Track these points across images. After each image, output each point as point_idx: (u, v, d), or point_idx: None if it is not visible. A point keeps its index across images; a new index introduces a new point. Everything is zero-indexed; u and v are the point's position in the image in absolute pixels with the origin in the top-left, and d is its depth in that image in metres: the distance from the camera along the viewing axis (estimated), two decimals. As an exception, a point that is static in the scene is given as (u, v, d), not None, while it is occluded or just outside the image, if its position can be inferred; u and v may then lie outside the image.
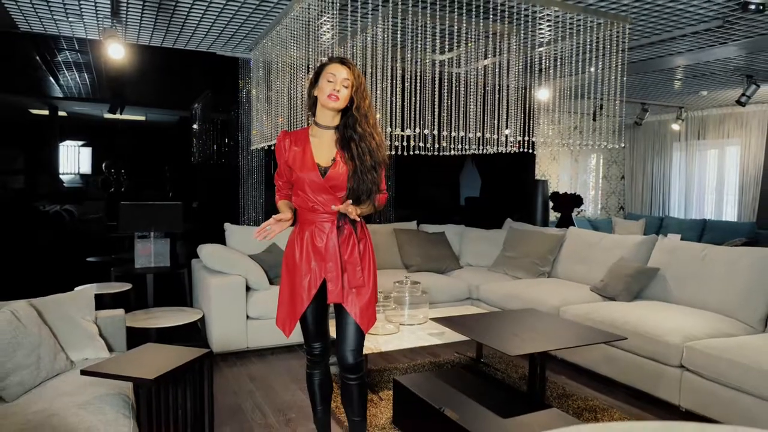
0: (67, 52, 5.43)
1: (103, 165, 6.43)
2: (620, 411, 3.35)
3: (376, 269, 2.52)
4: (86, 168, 7.10)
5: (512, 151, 4.63)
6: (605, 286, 4.48)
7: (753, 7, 2.72)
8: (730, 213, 8.83)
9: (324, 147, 2.43)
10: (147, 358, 2.55)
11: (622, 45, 3.77)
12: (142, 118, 7.16)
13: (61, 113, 6.76)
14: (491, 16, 3.85)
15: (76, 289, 3.94)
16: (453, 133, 4.32)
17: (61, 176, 6.67)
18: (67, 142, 6.97)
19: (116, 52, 4.10)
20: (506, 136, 4.79)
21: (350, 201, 2.32)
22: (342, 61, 2.38)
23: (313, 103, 2.45)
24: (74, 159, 7.19)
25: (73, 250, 5.93)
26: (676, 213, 9.51)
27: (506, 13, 3.75)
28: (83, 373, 2.39)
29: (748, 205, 8.33)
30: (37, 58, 5.54)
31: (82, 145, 7.11)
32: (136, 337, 3.50)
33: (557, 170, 9.80)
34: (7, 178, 5.76)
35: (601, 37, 3.88)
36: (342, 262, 2.40)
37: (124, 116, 6.81)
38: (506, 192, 7.80)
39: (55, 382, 2.52)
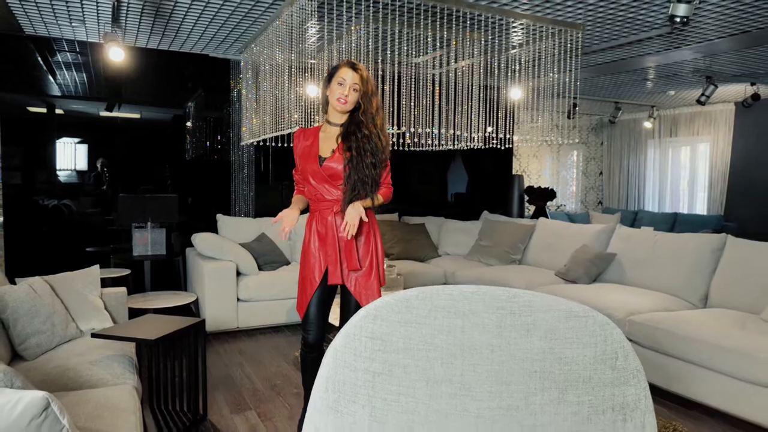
0: (67, 53, 5.75)
1: (98, 162, 6.76)
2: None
3: (381, 253, 2.68)
4: (82, 165, 7.43)
5: (479, 147, 5.01)
6: (567, 271, 4.88)
7: (678, 20, 3.10)
8: (700, 207, 9.27)
9: (329, 141, 2.62)
10: (148, 325, 2.91)
11: (577, 50, 4.15)
12: (137, 115, 7.49)
13: (59, 111, 7.09)
14: (462, 24, 4.23)
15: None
16: (427, 130, 4.71)
17: (58, 172, 7.00)
18: (64, 140, 7.30)
19: (116, 55, 4.44)
20: (488, 134, 5.19)
21: (347, 222, 2.47)
22: (352, 65, 2.53)
23: (325, 102, 2.62)
24: (71, 156, 7.52)
25: (72, 241, 6.26)
26: (650, 207, 9.93)
27: (475, 21, 4.12)
28: (94, 335, 2.76)
29: (717, 199, 8.77)
30: (39, 58, 5.86)
31: (79, 142, 7.44)
32: (135, 317, 3.85)
33: (538, 167, 10.21)
34: (11, 173, 6.07)
35: (559, 42, 4.26)
36: (340, 247, 2.57)
37: (120, 114, 7.14)
38: (487, 187, 8.18)
39: (68, 345, 2.88)
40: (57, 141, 7.07)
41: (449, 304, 0.87)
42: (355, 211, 2.47)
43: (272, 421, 3.04)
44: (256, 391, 3.49)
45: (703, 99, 6.49)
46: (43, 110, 6.91)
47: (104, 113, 7.29)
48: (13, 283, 3.01)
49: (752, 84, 6.78)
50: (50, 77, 6.34)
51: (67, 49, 5.61)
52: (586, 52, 5.46)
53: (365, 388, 0.88)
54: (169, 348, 3.10)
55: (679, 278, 4.20)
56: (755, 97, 6.86)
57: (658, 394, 3.48)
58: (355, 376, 0.89)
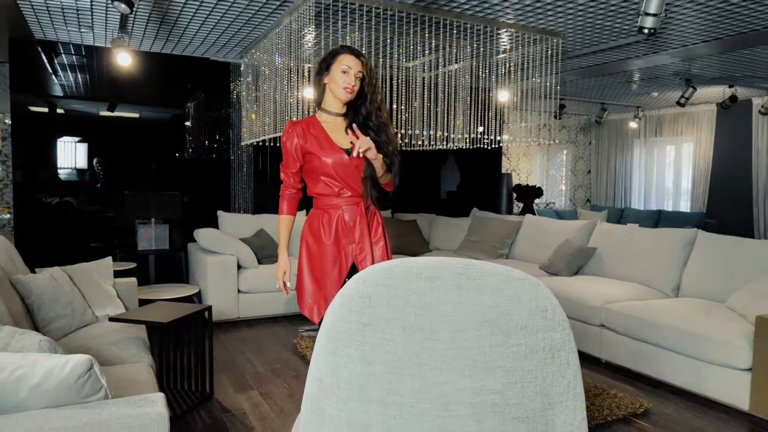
0: (73, 56, 5.99)
1: (94, 161, 6.99)
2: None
3: (391, 257, 2.60)
4: (82, 163, 7.66)
5: (468, 147, 5.29)
6: (551, 264, 5.16)
7: (646, 31, 3.38)
8: (684, 205, 9.58)
9: (338, 131, 2.45)
10: (159, 311, 3.17)
11: (557, 56, 4.43)
12: (136, 115, 7.72)
13: (60, 111, 7.31)
14: (450, 31, 4.49)
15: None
16: (417, 132, 4.98)
17: (59, 171, 7.23)
18: (65, 138, 7.53)
19: (124, 59, 4.69)
20: (478, 134, 5.46)
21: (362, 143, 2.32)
22: (356, 53, 2.38)
23: (322, 90, 2.44)
24: (71, 154, 7.75)
25: (77, 237, 6.50)
26: (637, 205, 10.24)
27: (462, 28, 4.39)
28: (111, 319, 3.02)
29: (699, 197, 9.08)
30: (45, 60, 6.09)
31: (79, 141, 7.67)
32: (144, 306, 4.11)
33: (528, 166, 10.49)
34: (16, 171, 6.29)
35: (541, 48, 4.54)
36: (371, 242, 2.47)
37: (120, 113, 7.37)
38: (478, 185, 8.46)
39: (86, 329, 3.14)
40: (58, 140, 7.31)
41: (420, 271, 1.14)
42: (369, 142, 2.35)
43: (273, 399, 3.31)
44: (257, 373, 3.75)
45: (682, 101, 6.78)
46: (45, 110, 7.14)
47: (104, 113, 7.52)
48: (33, 273, 3.27)
49: (730, 86, 7.08)
50: (54, 78, 6.58)
51: (72, 52, 5.84)
52: (569, 57, 5.74)
53: (357, 336, 1.15)
54: (178, 332, 3.36)
55: (653, 270, 4.48)
56: (733, 98, 7.16)
57: (629, 375, 3.77)
58: (348, 327, 1.16)
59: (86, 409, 1.64)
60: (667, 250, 4.46)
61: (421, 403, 1.13)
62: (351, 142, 2.38)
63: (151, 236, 5.57)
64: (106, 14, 4.53)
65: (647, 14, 3.34)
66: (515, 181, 9.88)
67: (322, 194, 2.47)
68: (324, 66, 2.41)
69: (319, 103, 2.49)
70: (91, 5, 4.31)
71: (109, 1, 4.15)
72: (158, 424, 1.65)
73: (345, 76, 2.34)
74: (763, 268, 3.75)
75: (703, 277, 4.16)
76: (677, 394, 3.47)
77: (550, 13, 4.28)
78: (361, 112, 2.43)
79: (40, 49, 5.65)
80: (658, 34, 4.84)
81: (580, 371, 1.16)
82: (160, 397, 1.77)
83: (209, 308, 3.30)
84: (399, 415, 1.13)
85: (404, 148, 5.44)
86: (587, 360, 4.10)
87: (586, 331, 4.13)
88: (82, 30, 5.03)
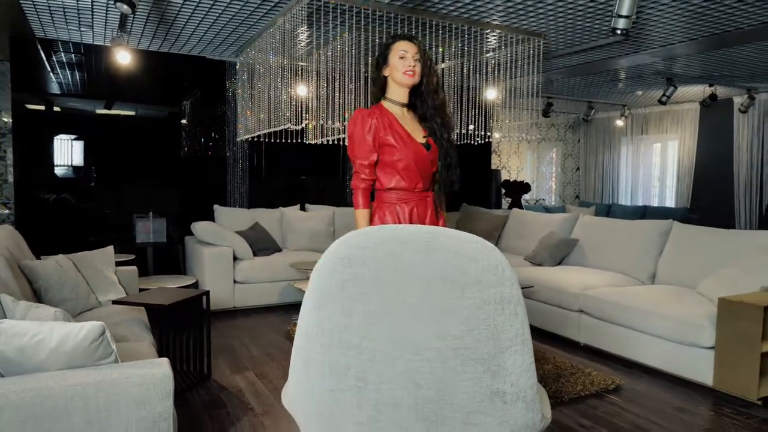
0: (72, 54, 6.15)
1: (89, 160, 7.15)
2: (536, 348, 4.23)
3: None
4: (79, 161, 7.83)
5: (459, 143, 5.49)
6: (535, 255, 5.38)
7: (619, 32, 3.59)
8: (670, 200, 9.83)
9: (409, 123, 2.42)
10: (160, 295, 3.36)
11: (540, 55, 4.64)
12: (132, 113, 7.89)
13: (56, 109, 7.47)
14: (438, 32, 4.69)
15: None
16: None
17: (55, 168, 7.40)
18: (61, 136, 7.69)
19: (123, 58, 4.87)
20: (469, 131, 5.66)
21: None
22: (409, 37, 2.39)
23: (383, 82, 2.43)
24: (68, 152, 7.91)
25: (74, 232, 6.67)
26: (624, 201, 10.48)
27: (447, 29, 4.59)
28: (115, 302, 3.21)
29: (684, 193, 9.33)
30: (44, 58, 6.25)
31: (75, 139, 7.83)
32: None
33: (518, 163, 10.72)
34: (15, 169, 6.45)
35: (525, 48, 4.75)
36: None
37: (117, 111, 7.54)
38: (468, 181, 8.66)
39: (91, 313, 3.32)
40: (55, 138, 7.47)
41: (393, 236, 1.34)
42: None
43: (268, 378, 3.50)
44: (253, 357, 3.94)
45: (664, 99, 7.01)
46: (42, 107, 7.30)
47: (101, 111, 7.69)
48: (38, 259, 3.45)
49: (710, 85, 7.31)
50: (51, 76, 6.74)
51: (71, 50, 6.00)
52: (554, 56, 5.95)
53: (337, 291, 1.35)
54: (177, 317, 3.54)
55: (631, 259, 4.70)
56: (713, 97, 7.39)
57: (605, 356, 3.98)
58: (330, 284, 1.35)
59: (99, 369, 1.84)
60: (644, 240, 4.67)
61: (392, 349, 1.32)
62: (424, 137, 2.40)
63: (149, 229, 5.74)
64: (107, 13, 4.71)
65: (620, 16, 3.55)
66: (505, 177, 10.10)
67: (396, 188, 2.40)
68: (381, 60, 2.40)
69: (378, 97, 2.47)
70: (92, 5, 4.48)
71: (111, 1, 4.33)
72: (164, 383, 1.85)
73: (403, 61, 2.33)
74: (731, 256, 3.97)
75: (676, 265, 4.38)
76: (649, 373, 3.69)
77: (532, 14, 4.49)
78: (421, 96, 2.42)
79: (39, 47, 5.81)
80: (638, 34, 5.06)
81: (528, 321, 1.36)
82: (165, 360, 1.97)
83: (207, 293, 3.49)
84: (374, 358, 1.33)
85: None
86: (567, 344, 4.31)
87: (566, 316, 4.34)
88: (82, 29, 5.20)
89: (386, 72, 2.39)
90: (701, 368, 3.40)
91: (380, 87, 2.44)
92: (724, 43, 5.27)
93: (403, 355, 1.32)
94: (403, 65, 2.33)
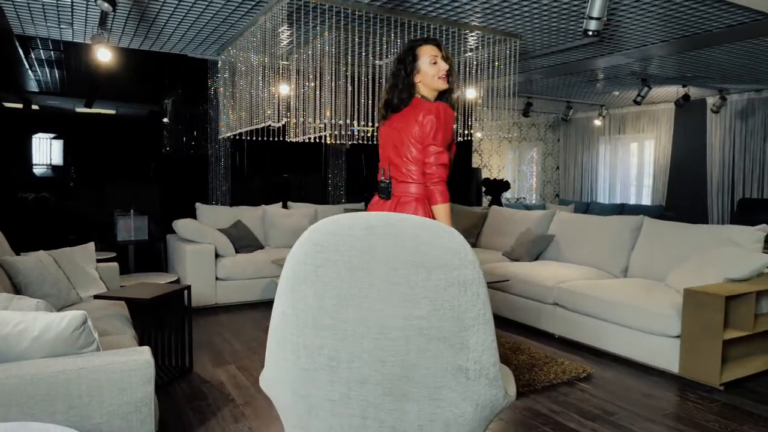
0: (51, 51, 6.13)
1: (69, 159, 7.13)
2: (512, 340, 4.33)
3: None
4: (58, 160, 7.79)
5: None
6: (512, 251, 5.49)
7: (590, 33, 3.71)
8: (647, 198, 10.05)
9: None
10: (141, 289, 3.40)
11: (516, 56, 4.75)
12: (112, 111, 7.87)
13: (35, 107, 7.43)
14: (416, 31, 4.78)
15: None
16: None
17: (33, 167, 7.36)
18: (40, 135, 7.64)
19: (104, 56, 4.89)
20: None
21: None
22: (432, 41, 2.45)
23: (411, 86, 2.44)
24: (47, 151, 7.86)
25: (54, 230, 6.65)
26: (602, 199, 10.68)
27: (426, 29, 4.68)
28: (96, 297, 3.25)
29: (659, 191, 9.55)
30: (22, 55, 6.22)
31: (54, 138, 7.79)
32: (126, 288, 4.33)
33: (499, 162, 10.86)
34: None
35: (503, 49, 4.86)
36: None
37: (97, 110, 7.51)
38: (449, 178, 8.78)
39: (72, 308, 3.35)
40: (33, 136, 7.42)
41: (362, 223, 1.42)
42: None
43: (249, 371, 3.56)
44: (235, 351, 4.00)
45: (639, 99, 7.18)
46: (20, 106, 7.25)
47: (81, 109, 7.66)
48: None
49: (684, 86, 7.51)
50: (29, 73, 6.71)
51: (50, 47, 5.99)
52: (531, 57, 6.08)
53: (311, 275, 1.42)
54: (159, 312, 3.59)
55: (604, 254, 4.83)
56: (686, 97, 7.59)
57: (578, 347, 4.11)
58: (305, 269, 1.43)
59: (81, 357, 1.89)
60: (617, 235, 4.81)
61: (362, 328, 1.40)
62: None
63: (130, 227, 5.76)
64: (87, 11, 4.73)
65: (591, 18, 3.67)
66: (486, 176, 10.24)
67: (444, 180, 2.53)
68: (407, 67, 2.42)
69: (403, 101, 2.47)
70: (72, 2, 4.50)
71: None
72: (145, 369, 1.91)
73: (436, 66, 2.39)
74: (698, 250, 4.12)
75: (647, 259, 4.52)
76: (619, 362, 3.81)
77: (508, 15, 4.60)
78: (446, 96, 2.48)
79: (17, 44, 5.79)
80: (612, 35, 5.20)
81: (489, 302, 1.45)
82: (146, 348, 2.03)
83: (188, 287, 3.54)
84: (344, 338, 1.41)
85: (374, 142, 5.71)
86: (542, 336, 4.43)
87: (541, 309, 4.46)
88: (61, 26, 5.21)
89: (417, 79, 2.43)
90: (668, 356, 3.53)
91: (408, 93, 2.45)
92: (696, 44, 5.44)
93: (370, 334, 1.40)
94: (435, 70, 2.39)
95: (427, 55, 2.39)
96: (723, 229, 4.29)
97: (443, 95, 2.50)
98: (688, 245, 4.26)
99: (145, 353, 1.96)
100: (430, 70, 2.38)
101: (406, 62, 2.42)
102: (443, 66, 2.40)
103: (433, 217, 2.48)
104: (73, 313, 1.90)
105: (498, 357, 1.49)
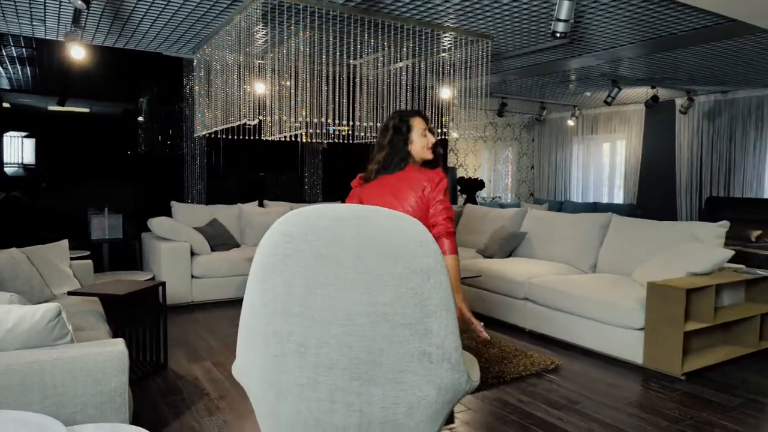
0: (22, 48, 6.06)
1: (41, 158, 7.05)
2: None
3: None
4: (30, 158, 7.68)
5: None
6: (486, 248, 5.60)
7: (558, 34, 3.82)
8: (618, 197, 10.27)
9: None
10: (115, 286, 3.41)
11: (488, 57, 4.86)
12: (86, 110, 7.79)
13: (5, 105, 7.31)
14: (390, 32, 4.86)
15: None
16: (368, 124, 5.33)
17: (4, 166, 7.25)
18: (11, 133, 7.53)
19: (77, 53, 4.87)
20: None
21: None
22: (425, 116, 2.67)
23: (406, 154, 2.58)
24: (18, 149, 7.75)
25: (26, 229, 6.57)
26: (576, 198, 10.89)
27: (399, 29, 4.76)
28: (70, 293, 3.25)
29: (630, 190, 9.78)
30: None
31: (26, 137, 7.69)
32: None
33: (474, 161, 11.00)
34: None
35: (475, 49, 4.96)
36: None
37: (70, 108, 7.43)
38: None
39: (45, 304, 3.35)
40: (4, 135, 7.31)
41: (330, 214, 1.48)
42: None
43: (225, 366, 3.60)
44: (210, 347, 4.03)
45: (609, 100, 7.36)
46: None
47: (54, 107, 7.57)
48: (-8, 253, 3.45)
49: (653, 87, 7.71)
50: (0, 70, 6.61)
51: (22, 44, 5.92)
52: (505, 58, 6.20)
53: (280, 265, 1.48)
54: (133, 309, 3.60)
55: (574, 250, 4.96)
56: (654, 98, 7.80)
57: (548, 341, 4.22)
58: (274, 259, 1.49)
59: (56, 348, 1.92)
60: (586, 232, 4.95)
61: (329, 315, 1.47)
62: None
63: (104, 226, 5.73)
64: (60, 7, 4.70)
65: (559, 20, 3.78)
66: (461, 175, 10.36)
67: None
68: (404, 136, 2.58)
69: (395, 165, 2.59)
70: None
71: (64, -3, 4.34)
72: (119, 360, 1.95)
73: (425, 138, 2.56)
74: (664, 246, 4.26)
75: (615, 255, 4.65)
76: (587, 355, 3.94)
77: (480, 17, 4.70)
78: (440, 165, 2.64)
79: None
80: (581, 37, 5.34)
81: (451, 290, 1.52)
82: (120, 340, 2.06)
83: (163, 284, 3.56)
84: (312, 325, 1.47)
85: (350, 141, 5.78)
86: (513, 330, 4.53)
87: (512, 304, 4.57)
88: (34, 23, 5.16)
89: (410, 148, 2.58)
90: (632, 348, 3.66)
91: (406, 160, 2.59)
92: (663, 47, 5.61)
93: (337, 320, 1.46)
94: (426, 142, 2.56)
95: (418, 127, 2.56)
96: (687, 225, 4.45)
97: (426, 163, 2.64)
98: (653, 241, 4.40)
99: (119, 344, 1.99)
100: (421, 142, 2.55)
101: (402, 131, 2.58)
102: (432, 138, 2.58)
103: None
104: (47, 306, 1.93)
105: (460, 342, 1.57)
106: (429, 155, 2.59)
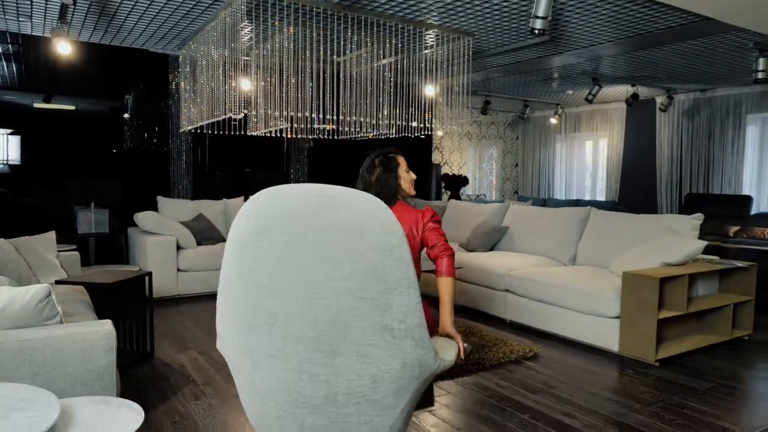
0: (9, 45, 6.06)
1: (20, 155, 7.03)
2: (465, 324, 4.53)
3: None
4: (15, 155, 7.66)
5: (394, 136, 5.76)
6: (469, 242, 5.70)
7: (536, 31, 3.93)
8: (601, 194, 10.44)
9: None
10: (103, 275, 3.47)
11: (469, 54, 4.96)
12: (72, 107, 7.78)
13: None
14: (373, 29, 4.94)
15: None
16: (353, 118, 5.41)
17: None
18: (-5, 130, 7.50)
19: (64, 49, 4.90)
20: (412, 126, 5.93)
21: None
22: (400, 153, 2.80)
23: (397, 188, 2.71)
24: (3, 147, 7.73)
25: (13, 225, 6.56)
26: (559, 195, 11.05)
27: (383, 26, 4.85)
28: (58, 282, 3.30)
29: (612, 187, 9.95)
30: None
31: (11, 134, 7.67)
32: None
33: (459, 159, 11.12)
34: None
35: (457, 47, 5.06)
36: None
37: (56, 105, 7.42)
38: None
39: (32, 294, 3.40)
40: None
41: (296, 194, 1.57)
42: None
43: (210, 354, 3.66)
44: (196, 337, 4.09)
45: (590, 98, 7.50)
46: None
47: (39, 104, 7.56)
48: (-21, 244, 3.49)
49: (632, 85, 7.87)
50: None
51: (8, 41, 5.93)
52: (487, 55, 6.31)
53: (251, 242, 1.56)
54: (120, 299, 3.66)
55: (554, 244, 5.08)
56: (635, 96, 7.96)
57: (528, 331, 4.33)
58: (247, 236, 1.57)
59: (46, 328, 1.98)
60: (566, 226, 5.07)
61: (297, 289, 1.54)
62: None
63: (90, 220, 5.76)
64: (46, 3, 4.73)
65: (537, 17, 3.89)
66: (446, 172, 10.47)
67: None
68: (393, 173, 2.71)
69: (386, 197, 2.65)
70: (32, -5, 4.51)
71: (50, -8, 4.37)
72: (107, 339, 2.01)
73: (409, 174, 2.73)
74: (640, 238, 4.39)
75: (593, 248, 4.78)
76: (565, 343, 4.05)
77: (462, 14, 4.80)
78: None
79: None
80: (561, 34, 5.46)
81: (413, 267, 1.59)
82: (108, 321, 2.13)
83: (149, 274, 3.62)
84: (282, 298, 1.55)
85: (336, 138, 5.86)
86: (495, 321, 4.64)
87: (493, 296, 4.67)
88: (20, 19, 5.19)
89: (399, 181, 2.72)
90: (609, 336, 3.78)
91: (396, 196, 2.72)
92: (641, 45, 5.75)
93: (304, 294, 1.54)
94: (409, 177, 2.73)
95: (404, 164, 2.73)
96: (663, 218, 4.58)
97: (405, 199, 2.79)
98: (631, 234, 4.53)
99: (107, 325, 2.06)
100: (406, 177, 2.71)
101: (391, 168, 2.71)
102: (413, 175, 2.75)
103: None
104: (37, 287, 1.99)
105: (424, 319, 1.63)
106: (413, 191, 2.74)
